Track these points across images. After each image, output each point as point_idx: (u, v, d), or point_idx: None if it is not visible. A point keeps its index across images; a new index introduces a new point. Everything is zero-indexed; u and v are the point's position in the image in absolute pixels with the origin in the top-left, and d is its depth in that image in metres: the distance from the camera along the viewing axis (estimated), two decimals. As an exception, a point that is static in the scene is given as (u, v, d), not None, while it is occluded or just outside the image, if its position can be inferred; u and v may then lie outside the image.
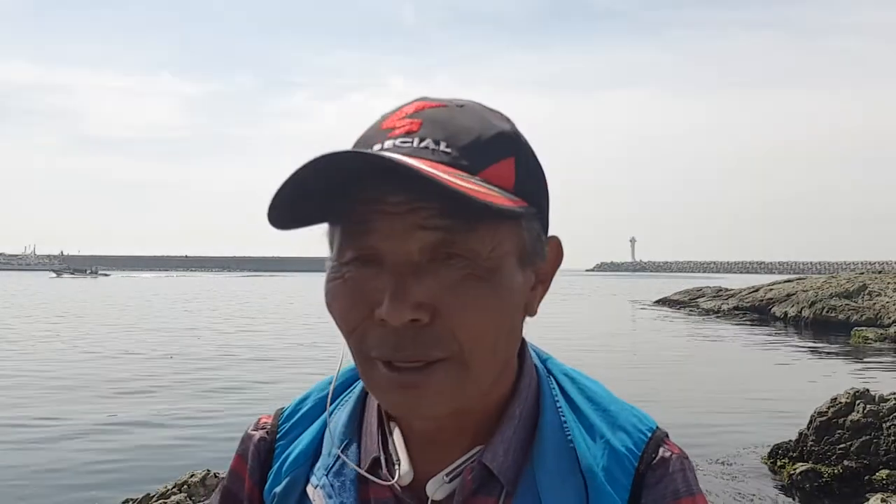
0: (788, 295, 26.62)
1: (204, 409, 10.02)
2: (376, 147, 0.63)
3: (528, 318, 0.69)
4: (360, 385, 0.77)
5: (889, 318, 21.43)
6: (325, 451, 0.74)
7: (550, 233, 0.70)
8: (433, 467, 0.69)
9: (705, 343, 19.65)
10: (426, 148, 0.61)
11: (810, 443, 7.15)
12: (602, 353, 16.56)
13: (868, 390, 7.44)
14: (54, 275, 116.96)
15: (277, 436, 0.79)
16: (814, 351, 17.96)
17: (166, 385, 11.95)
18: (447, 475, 0.68)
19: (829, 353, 17.65)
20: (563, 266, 0.73)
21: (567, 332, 20.14)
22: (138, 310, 32.25)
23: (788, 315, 24.70)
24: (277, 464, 0.77)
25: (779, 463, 7.27)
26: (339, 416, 0.76)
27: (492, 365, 0.64)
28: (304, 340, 18.71)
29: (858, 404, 7.17)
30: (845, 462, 6.83)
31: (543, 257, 0.68)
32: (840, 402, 7.25)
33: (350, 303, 0.63)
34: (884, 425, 6.95)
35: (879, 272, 28.08)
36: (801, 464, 7.00)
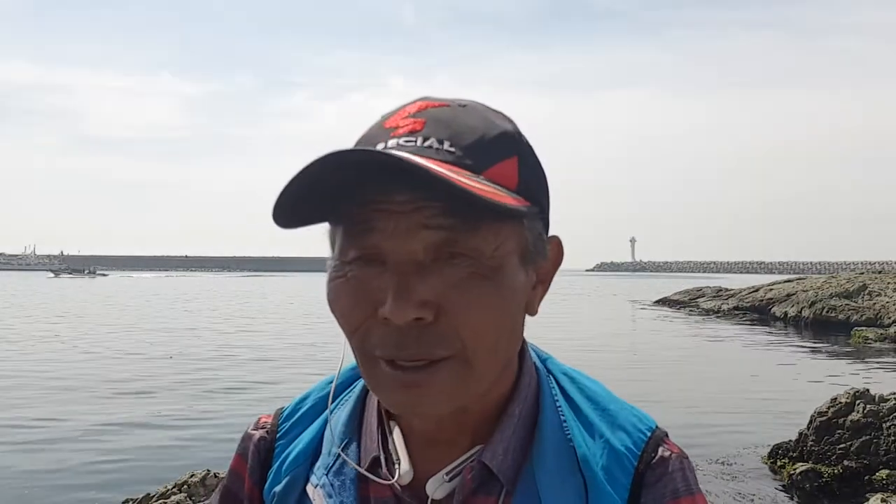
0: (788, 295, 26.62)
1: (204, 409, 10.03)
2: (380, 146, 0.62)
3: (528, 318, 0.69)
4: (360, 384, 0.77)
5: (889, 318, 21.43)
6: (324, 450, 0.75)
7: (551, 233, 0.71)
8: (433, 466, 0.69)
9: (705, 343, 19.65)
10: (430, 147, 0.61)
11: (810, 443, 7.15)
12: (602, 353, 16.56)
13: (868, 390, 7.44)
14: (52, 275, 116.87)
15: (277, 435, 0.79)
16: (814, 351, 17.96)
17: (166, 385, 11.95)
18: (447, 474, 0.68)
19: (829, 353, 17.65)
20: (563, 266, 0.73)
21: (567, 332, 20.15)
22: (138, 310, 32.24)
23: (788, 315, 24.70)
24: (277, 463, 0.77)
25: (779, 463, 7.27)
26: (339, 416, 0.76)
27: (494, 363, 0.65)
28: (304, 340, 18.70)
29: (858, 404, 7.17)
30: (845, 462, 6.83)
31: (545, 256, 0.68)
32: (840, 402, 7.25)
33: (353, 301, 0.63)
34: (884, 425, 6.95)
35: (879, 272, 28.08)
36: (801, 464, 6.99)
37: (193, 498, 5.00)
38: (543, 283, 0.70)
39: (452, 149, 0.61)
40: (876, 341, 19.18)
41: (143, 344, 17.91)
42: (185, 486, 5.13)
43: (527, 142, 0.68)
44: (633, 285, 79.92)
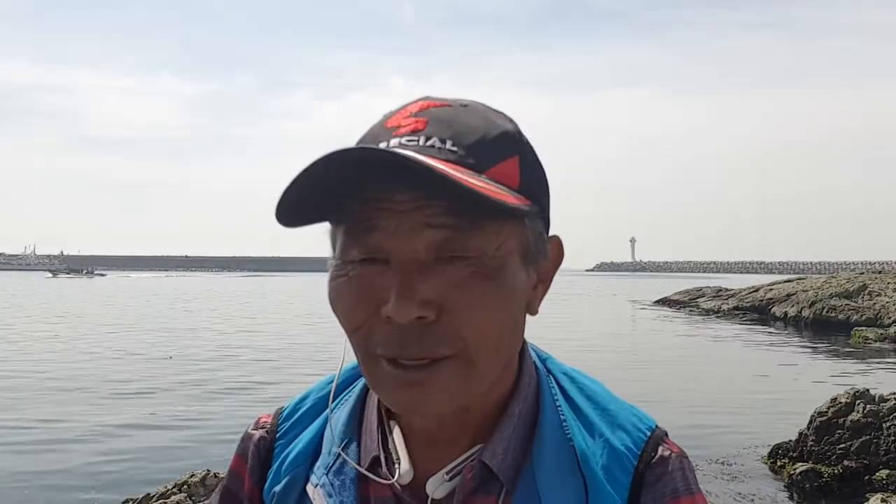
0: (788, 295, 26.63)
1: (203, 410, 10.03)
2: (382, 145, 0.62)
3: (528, 318, 0.69)
4: (359, 384, 0.77)
5: (889, 318, 21.44)
6: (324, 450, 0.75)
7: (551, 232, 0.71)
8: (433, 466, 0.69)
9: (705, 343, 19.65)
10: (432, 146, 0.61)
11: (810, 443, 7.15)
12: (602, 353, 16.57)
13: (868, 390, 7.44)
14: (50, 275, 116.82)
15: (277, 435, 0.79)
16: (814, 351, 17.97)
17: (166, 385, 11.95)
18: (447, 474, 0.68)
19: (829, 353, 17.66)
20: (563, 266, 0.74)
21: (567, 332, 20.16)
22: (137, 310, 32.24)
23: (788, 315, 24.71)
24: (277, 463, 0.77)
25: (779, 463, 7.27)
26: (339, 415, 0.76)
27: (496, 363, 0.65)
28: (305, 341, 18.71)
29: (858, 404, 7.17)
30: (845, 462, 6.84)
31: (546, 256, 0.69)
32: (840, 402, 7.25)
33: (355, 300, 0.63)
34: (884, 425, 6.96)
35: (879, 272, 28.09)
36: (801, 464, 7.00)
37: (193, 498, 5.00)
38: (544, 282, 0.70)
39: (455, 148, 0.62)
40: (876, 341, 19.19)
41: (143, 344, 17.92)
42: (185, 486, 5.13)
43: (527, 142, 0.68)
44: (633, 285, 79.94)
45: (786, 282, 30.43)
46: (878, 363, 15.68)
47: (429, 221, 0.59)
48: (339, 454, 0.72)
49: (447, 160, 0.60)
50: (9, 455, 7.67)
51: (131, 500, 5.37)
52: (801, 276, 36.79)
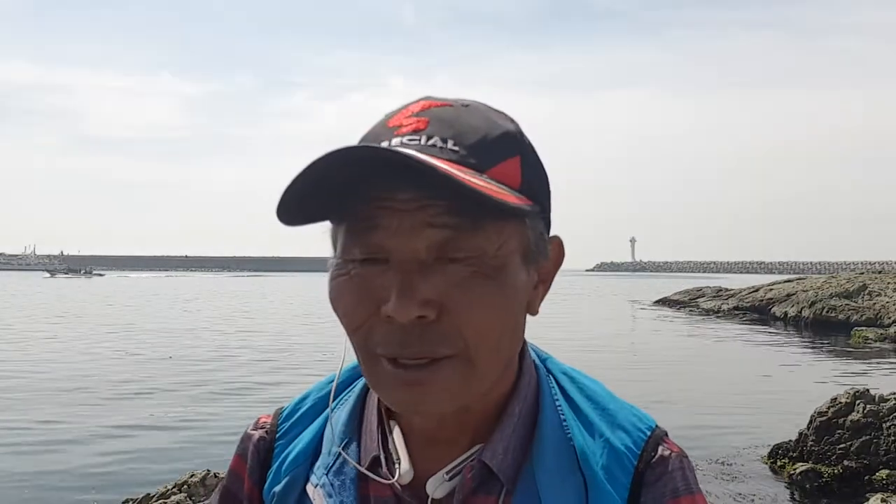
0: (788, 295, 26.63)
1: (203, 410, 10.03)
2: (383, 144, 0.63)
3: (529, 318, 0.70)
4: (359, 384, 0.77)
5: (889, 318, 21.44)
6: (324, 450, 0.75)
7: (552, 233, 0.71)
8: (433, 466, 0.69)
9: (705, 343, 19.66)
10: (434, 146, 0.62)
11: (810, 443, 7.15)
12: (602, 353, 16.57)
13: (868, 390, 7.44)
14: (48, 275, 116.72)
15: (277, 435, 0.79)
16: (814, 351, 17.98)
17: (165, 386, 11.95)
18: (447, 473, 0.68)
19: (829, 353, 17.66)
20: (563, 266, 0.73)
21: (567, 332, 20.15)
22: (137, 310, 32.24)
23: (788, 315, 24.71)
24: (277, 463, 0.77)
25: (779, 463, 7.27)
26: (339, 415, 0.76)
27: (496, 363, 0.65)
28: (305, 341, 18.71)
29: (858, 404, 7.17)
30: (845, 462, 6.84)
31: (546, 256, 0.69)
32: (840, 402, 7.25)
33: (356, 299, 0.63)
34: (884, 425, 6.96)
35: (879, 272, 28.10)
36: (801, 464, 7.00)
37: (193, 498, 5.00)
38: (545, 282, 0.70)
39: (456, 148, 0.62)
40: (876, 341, 19.19)
41: (143, 344, 17.92)
42: (185, 486, 5.13)
43: (529, 142, 0.68)
44: (633, 285, 79.95)
45: (786, 282, 30.43)
46: (878, 363, 15.69)
47: (430, 221, 0.59)
48: (340, 454, 0.72)
49: (449, 160, 0.60)
50: (8, 456, 7.67)
51: (131, 500, 5.37)
52: (801, 276, 36.80)
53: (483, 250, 0.61)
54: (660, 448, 0.70)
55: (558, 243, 0.71)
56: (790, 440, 7.40)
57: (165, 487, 5.23)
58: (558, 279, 0.72)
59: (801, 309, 24.10)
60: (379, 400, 0.73)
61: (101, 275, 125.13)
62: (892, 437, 6.85)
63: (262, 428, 0.81)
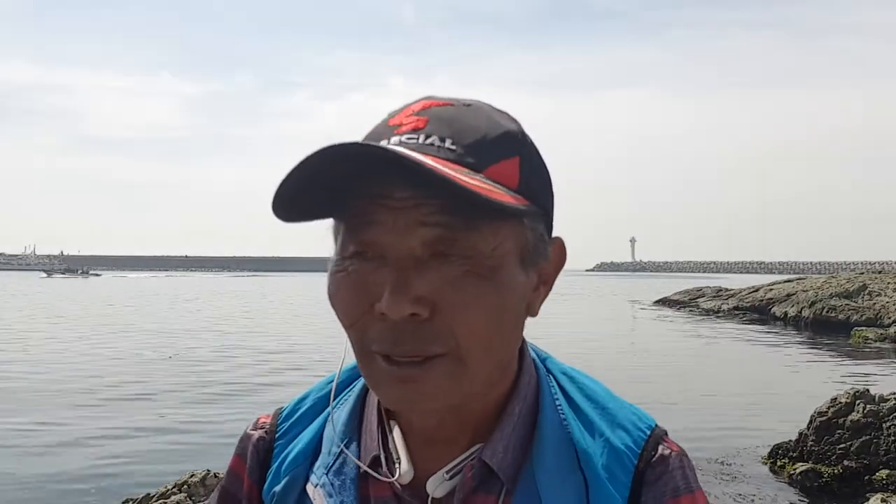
0: (788, 295, 26.62)
1: (203, 410, 10.03)
2: (383, 143, 0.63)
3: (529, 318, 0.69)
4: (359, 384, 0.77)
5: (889, 318, 21.44)
6: (324, 449, 0.74)
7: (553, 234, 0.70)
8: (433, 465, 0.69)
9: (705, 343, 19.65)
10: (432, 145, 0.62)
11: (810, 443, 7.15)
12: (602, 353, 16.57)
13: (868, 390, 7.44)
14: (45, 275, 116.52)
15: (276, 435, 0.79)
16: (814, 351, 17.97)
17: (165, 386, 11.95)
18: (447, 473, 0.68)
19: (829, 353, 17.66)
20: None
21: (567, 332, 20.14)
22: (137, 310, 32.23)
23: (788, 315, 24.70)
24: (276, 463, 0.77)
25: (779, 463, 7.27)
26: (339, 415, 0.76)
27: (489, 363, 0.64)
28: (305, 341, 18.71)
29: (858, 404, 7.17)
30: (845, 462, 6.84)
31: (546, 258, 0.68)
32: (840, 402, 7.25)
33: (352, 295, 0.63)
34: (884, 425, 6.96)
35: (879, 272, 28.09)
36: (801, 464, 7.00)
37: (193, 498, 5.00)
38: (545, 284, 0.70)
39: (454, 147, 0.62)
40: (876, 341, 19.19)
41: (143, 345, 17.91)
42: (185, 486, 5.13)
43: (531, 142, 0.68)
44: (633, 285, 79.95)
45: (786, 282, 30.42)
46: (878, 363, 15.69)
47: (424, 219, 0.59)
48: (340, 454, 0.72)
49: (446, 159, 0.60)
50: (8, 456, 7.66)
51: (131, 500, 5.37)
52: (801, 276, 36.79)
53: (478, 250, 0.61)
54: (660, 447, 0.70)
55: (560, 245, 0.71)
56: (790, 440, 7.39)
57: (165, 487, 5.22)
58: (558, 279, 0.72)
59: (801, 309, 24.09)
60: (379, 399, 0.73)
61: (98, 275, 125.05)
62: (892, 437, 6.85)
63: (261, 428, 0.81)
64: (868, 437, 6.92)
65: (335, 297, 0.64)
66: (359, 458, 0.72)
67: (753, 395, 11.34)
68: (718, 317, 28.34)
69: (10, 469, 7.20)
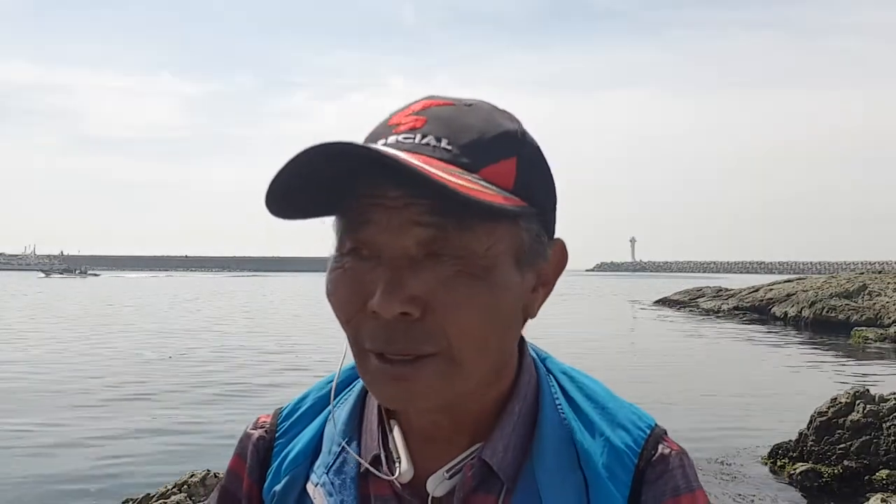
0: (788, 295, 26.62)
1: (203, 410, 10.03)
2: (380, 142, 0.63)
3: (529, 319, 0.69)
4: (360, 383, 0.77)
5: (889, 318, 21.43)
6: (324, 448, 0.75)
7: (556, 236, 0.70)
8: (433, 465, 0.69)
9: (705, 343, 19.65)
10: (427, 144, 0.62)
11: (810, 443, 7.15)
12: (602, 353, 16.57)
13: (868, 390, 7.44)
14: (43, 275, 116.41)
15: (276, 434, 0.79)
16: (814, 351, 17.97)
17: (165, 386, 11.95)
18: (447, 472, 0.69)
19: (829, 353, 17.66)
20: (562, 267, 0.73)
21: (567, 332, 20.13)
22: (137, 310, 32.22)
23: (788, 315, 24.70)
24: (276, 462, 0.77)
25: (779, 463, 7.27)
26: (339, 414, 0.76)
27: (483, 363, 0.64)
28: (305, 341, 18.71)
29: (858, 404, 7.17)
30: (845, 462, 6.84)
31: (545, 259, 0.68)
32: (840, 402, 7.25)
33: (348, 293, 0.63)
34: (884, 425, 6.96)
35: (879, 272, 28.09)
36: (801, 464, 7.00)
37: (193, 498, 5.00)
38: (545, 286, 0.70)
39: (449, 147, 0.62)
40: (876, 341, 19.19)
41: (143, 345, 17.91)
42: (185, 486, 5.13)
43: (532, 143, 0.68)
44: (633, 285, 79.94)
45: (786, 282, 30.42)
46: (878, 363, 15.69)
47: (416, 219, 0.60)
48: (340, 453, 0.73)
49: (441, 158, 0.61)
50: (8, 457, 7.66)
51: (131, 500, 5.37)
52: (801, 276, 36.79)
53: (471, 250, 0.61)
54: (660, 446, 0.71)
55: (561, 247, 0.70)
56: (790, 440, 7.39)
57: (165, 487, 5.22)
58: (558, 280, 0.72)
59: (801, 309, 24.09)
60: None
61: (96, 275, 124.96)
62: (892, 437, 6.85)
63: (261, 427, 0.81)
64: (868, 437, 6.92)
65: (332, 294, 0.65)
66: (359, 457, 0.72)
67: (753, 395, 11.34)
68: (718, 317, 28.34)
69: (9, 469, 7.19)
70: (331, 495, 0.71)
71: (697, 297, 34.50)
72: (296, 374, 12.98)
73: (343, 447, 0.73)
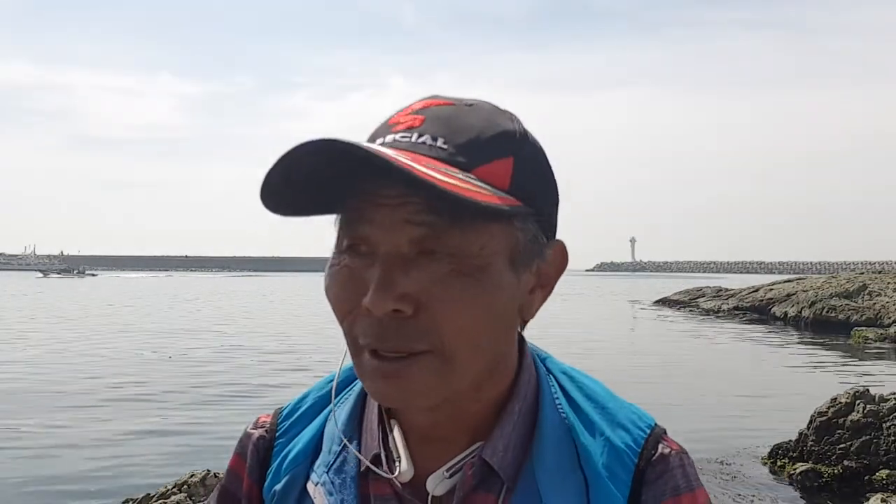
0: (788, 295, 26.63)
1: (203, 410, 10.03)
2: (378, 140, 0.64)
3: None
4: (360, 383, 0.77)
5: (889, 318, 21.44)
6: (325, 448, 0.75)
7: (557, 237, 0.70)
8: (433, 464, 0.69)
9: (705, 343, 19.65)
10: (423, 143, 0.62)
11: (810, 443, 7.15)
12: (601, 353, 16.57)
13: (868, 390, 7.44)
14: (41, 275, 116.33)
15: (276, 434, 0.79)
16: (814, 351, 17.97)
17: (165, 386, 11.94)
18: (447, 471, 0.69)
19: (829, 353, 17.66)
20: (561, 267, 0.73)
21: (567, 332, 20.13)
22: (137, 310, 32.21)
23: (788, 315, 24.70)
24: (277, 462, 0.77)
25: (779, 463, 7.27)
26: (339, 413, 0.76)
27: (475, 362, 0.64)
28: (305, 341, 18.71)
29: (858, 404, 7.17)
30: (845, 462, 6.84)
31: (543, 259, 0.68)
32: (840, 402, 7.25)
33: (343, 290, 0.64)
34: (884, 425, 6.96)
35: (879, 272, 28.11)
36: (801, 464, 7.00)
37: (193, 498, 5.00)
38: (544, 287, 0.69)
39: (445, 146, 0.62)
40: (876, 341, 19.19)
41: (143, 345, 17.91)
42: (185, 486, 5.13)
43: (533, 143, 0.68)
44: (633, 285, 79.95)
45: (786, 282, 30.43)
46: (878, 363, 15.69)
47: (410, 218, 0.60)
48: (340, 452, 0.73)
49: (436, 157, 0.61)
50: (8, 458, 7.66)
51: (131, 500, 5.37)
52: (801, 276, 36.80)
53: (464, 249, 0.61)
54: (660, 446, 0.71)
55: (561, 248, 0.70)
56: (790, 440, 7.39)
57: (165, 487, 5.22)
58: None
59: (801, 309, 24.09)
60: None
61: (94, 274, 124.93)
62: (892, 437, 6.85)
63: (261, 427, 0.81)
64: (868, 437, 6.92)
65: (329, 290, 0.65)
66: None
67: (753, 395, 11.34)
68: (718, 317, 28.35)
69: (9, 469, 7.19)
70: (331, 494, 0.71)
71: (697, 297, 34.51)
72: (296, 375, 12.98)
73: (343, 447, 0.73)
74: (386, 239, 0.61)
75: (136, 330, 22.01)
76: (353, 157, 0.58)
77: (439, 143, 0.62)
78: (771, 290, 28.66)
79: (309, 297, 44.05)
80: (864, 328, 20.67)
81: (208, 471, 5.34)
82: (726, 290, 34.67)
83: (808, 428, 7.25)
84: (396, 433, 0.71)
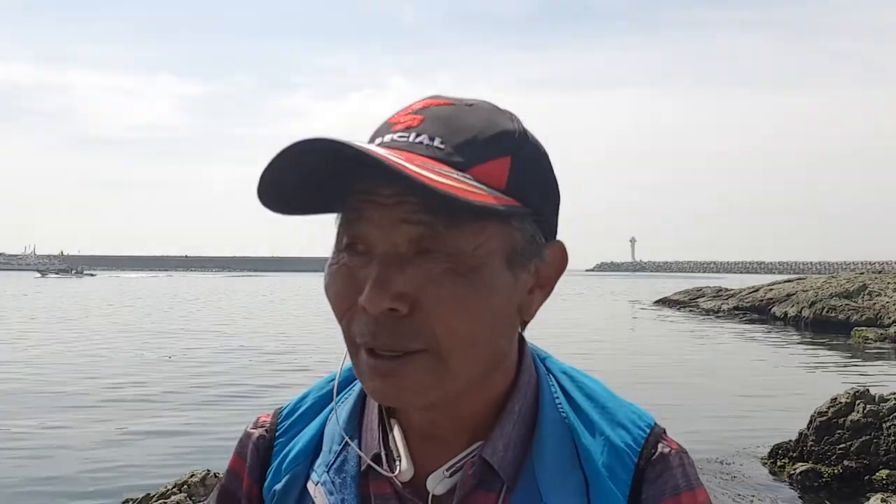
0: (788, 295, 26.63)
1: (203, 410, 10.03)
2: (377, 140, 0.65)
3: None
4: (359, 383, 0.78)
5: (889, 318, 21.44)
6: (325, 447, 0.75)
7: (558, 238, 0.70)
8: (433, 463, 0.69)
9: (705, 343, 19.65)
10: (421, 143, 0.63)
11: (810, 443, 7.15)
12: (601, 353, 16.57)
13: (868, 390, 7.44)
14: (39, 275, 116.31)
15: (277, 433, 0.79)
16: (814, 351, 17.97)
17: (165, 386, 11.95)
18: (447, 470, 0.69)
19: (829, 353, 17.66)
20: (561, 267, 0.72)
21: (567, 332, 20.14)
22: (137, 310, 32.22)
23: (788, 315, 24.70)
24: (277, 461, 0.77)
25: (779, 463, 7.27)
26: (340, 413, 0.76)
27: (470, 362, 0.65)
28: (305, 341, 18.71)
29: (858, 404, 7.17)
30: (845, 462, 6.84)
31: (542, 259, 0.68)
32: (840, 402, 7.25)
33: (341, 288, 0.64)
34: (884, 425, 6.96)
35: (879, 272, 28.12)
36: (801, 464, 7.00)
37: (193, 498, 5.00)
38: (543, 287, 0.69)
39: (442, 146, 0.62)
40: (876, 341, 19.19)
41: (142, 345, 17.91)
42: (185, 486, 5.13)
43: (532, 143, 0.68)
44: (633, 285, 79.96)
45: (786, 282, 30.43)
46: (878, 363, 15.69)
47: (406, 217, 0.61)
48: (340, 451, 0.73)
49: (433, 157, 0.61)
50: (7, 458, 7.66)
51: (131, 500, 5.37)
52: (801, 276, 36.80)
53: (460, 248, 0.61)
54: (660, 445, 0.71)
55: (560, 249, 0.70)
56: (790, 440, 7.39)
57: (165, 487, 5.22)
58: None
59: (801, 309, 24.09)
60: None
61: (92, 274, 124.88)
62: (892, 437, 6.85)
63: (261, 427, 0.81)
64: (868, 437, 6.92)
65: (328, 289, 0.66)
66: (360, 456, 0.72)
67: (753, 395, 11.34)
68: (718, 317, 28.34)
69: (9, 470, 7.19)
70: (331, 494, 0.71)
71: (697, 297, 34.51)
72: (296, 375, 12.98)
73: (344, 446, 0.73)
74: (383, 238, 0.61)
75: (136, 330, 22.02)
76: (348, 157, 0.58)
77: (436, 142, 0.63)
78: (771, 290, 28.66)
79: (309, 297, 44.06)
80: (864, 328, 20.67)
81: (208, 471, 5.35)
82: (726, 290, 34.67)
83: (808, 428, 7.25)
84: (396, 432, 0.72)
